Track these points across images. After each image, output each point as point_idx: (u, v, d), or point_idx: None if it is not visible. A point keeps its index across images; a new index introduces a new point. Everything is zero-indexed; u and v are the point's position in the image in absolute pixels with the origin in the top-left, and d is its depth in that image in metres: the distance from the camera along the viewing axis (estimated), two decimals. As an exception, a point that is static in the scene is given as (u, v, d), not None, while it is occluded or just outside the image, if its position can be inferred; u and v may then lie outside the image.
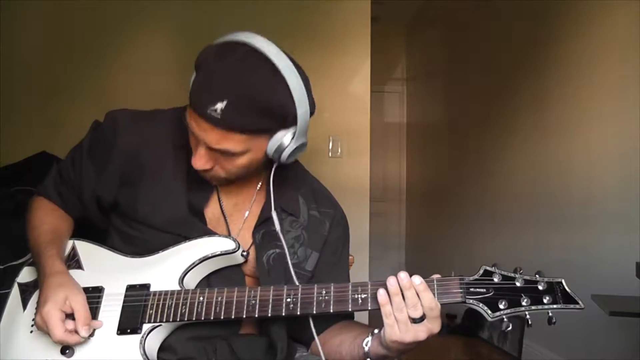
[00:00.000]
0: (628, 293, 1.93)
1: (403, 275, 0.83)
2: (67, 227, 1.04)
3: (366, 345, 0.90)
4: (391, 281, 0.84)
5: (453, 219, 4.17)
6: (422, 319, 0.82)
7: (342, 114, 2.70)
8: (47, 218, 1.02)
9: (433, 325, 0.83)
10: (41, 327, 0.87)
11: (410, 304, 0.82)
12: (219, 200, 1.02)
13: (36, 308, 0.93)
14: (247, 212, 1.04)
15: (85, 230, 1.03)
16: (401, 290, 0.83)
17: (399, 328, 0.83)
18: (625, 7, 2.33)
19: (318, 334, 1.03)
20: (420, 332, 0.83)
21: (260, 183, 1.06)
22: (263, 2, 2.60)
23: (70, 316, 0.87)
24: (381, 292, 0.84)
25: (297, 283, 0.93)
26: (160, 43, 2.58)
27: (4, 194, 1.13)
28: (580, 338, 2.53)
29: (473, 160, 3.88)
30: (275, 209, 0.99)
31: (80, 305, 0.88)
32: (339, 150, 2.70)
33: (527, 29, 3.13)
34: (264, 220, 1.01)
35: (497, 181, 3.51)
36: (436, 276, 0.86)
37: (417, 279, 0.83)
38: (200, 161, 0.91)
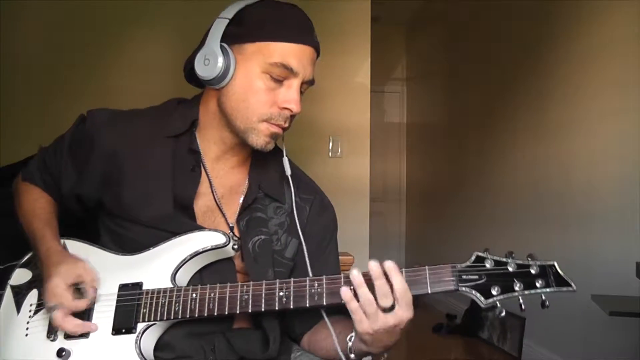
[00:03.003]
0: (628, 293, 1.93)
1: (373, 264, 0.81)
2: (55, 210, 1.05)
3: (350, 340, 0.89)
4: (354, 273, 0.82)
5: (453, 219, 4.18)
6: (392, 307, 0.81)
7: (342, 114, 2.70)
8: (37, 203, 1.03)
9: (404, 312, 0.81)
10: (48, 302, 0.87)
11: (380, 293, 0.80)
12: (212, 189, 1.01)
13: (39, 304, 0.94)
14: (241, 198, 1.02)
15: (77, 230, 1.03)
16: (372, 280, 0.81)
17: (369, 319, 0.81)
18: (625, 7, 2.33)
19: (309, 329, 1.05)
20: (389, 321, 0.81)
21: (248, 166, 1.06)
22: None
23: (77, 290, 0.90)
24: (344, 290, 0.82)
25: (281, 270, 0.95)
26: (160, 43, 2.58)
27: (4, 194, 1.12)
28: (580, 338, 2.53)
29: (473, 160, 3.88)
30: (258, 193, 1.02)
31: (82, 270, 0.90)
32: (339, 150, 2.70)
33: (528, 28, 3.14)
34: (247, 207, 1.01)
35: (498, 181, 3.51)
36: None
37: (389, 262, 0.82)
38: (299, 103, 0.94)
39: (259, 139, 0.95)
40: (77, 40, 2.53)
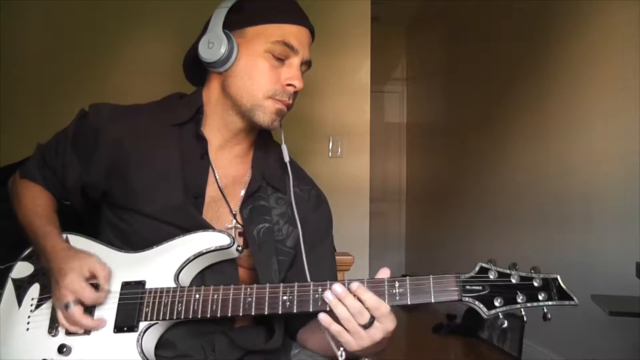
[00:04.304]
0: (628, 293, 1.93)
1: (337, 286, 0.83)
2: (55, 207, 1.05)
3: (341, 357, 0.88)
4: (328, 295, 0.83)
5: (453, 219, 4.18)
6: (371, 322, 0.82)
7: (342, 114, 2.69)
8: (37, 200, 1.03)
9: (386, 324, 0.82)
10: (65, 298, 0.87)
11: (354, 312, 0.81)
12: (216, 178, 1.02)
13: (41, 299, 0.94)
14: (244, 188, 1.04)
15: (77, 226, 1.03)
16: (341, 302, 0.82)
17: (354, 338, 0.82)
18: (625, 7, 2.33)
19: (300, 327, 1.06)
20: (375, 335, 0.82)
21: (251, 157, 1.08)
22: None
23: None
24: (322, 316, 0.83)
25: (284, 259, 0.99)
26: (160, 43, 2.57)
27: (3, 194, 1.12)
28: (580, 338, 2.53)
29: (473, 160, 3.88)
30: (262, 182, 1.04)
31: (96, 265, 0.90)
32: (339, 150, 2.69)
33: (528, 28, 3.13)
34: (250, 195, 1.03)
35: (498, 181, 3.51)
36: (383, 270, 0.86)
37: (354, 285, 0.82)
38: (301, 79, 0.99)
39: (266, 116, 0.98)
40: (77, 40, 2.53)
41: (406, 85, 5.43)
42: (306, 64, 1.02)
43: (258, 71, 0.97)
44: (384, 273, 0.85)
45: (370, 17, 2.75)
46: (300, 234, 1.00)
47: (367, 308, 0.81)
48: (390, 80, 5.37)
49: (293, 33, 0.98)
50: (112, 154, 0.99)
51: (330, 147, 2.69)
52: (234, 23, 0.98)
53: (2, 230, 1.07)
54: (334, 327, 0.82)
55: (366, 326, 0.81)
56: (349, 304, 0.81)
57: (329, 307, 0.83)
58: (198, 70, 1.04)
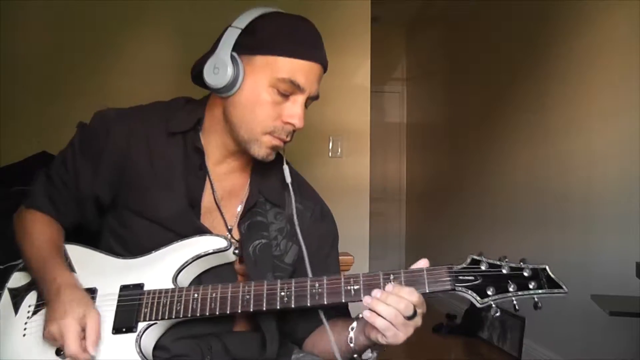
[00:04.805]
0: (628, 293, 1.93)
1: (375, 291, 0.84)
2: (62, 238, 1.02)
3: (351, 342, 0.90)
4: (368, 299, 0.84)
5: (453, 219, 4.18)
6: (416, 311, 0.83)
7: (342, 114, 2.69)
8: (44, 229, 1.00)
9: (424, 309, 0.85)
10: (54, 336, 0.85)
11: (401, 308, 0.82)
12: (213, 190, 1.02)
13: (38, 305, 0.94)
14: (240, 205, 1.03)
15: (77, 235, 1.03)
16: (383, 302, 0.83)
17: (401, 330, 0.83)
18: (625, 7, 2.33)
19: (310, 332, 1.05)
20: (419, 322, 0.85)
21: (249, 171, 1.07)
22: (263, 2, 2.59)
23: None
24: (367, 313, 0.84)
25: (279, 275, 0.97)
26: (160, 44, 2.57)
27: (3, 194, 1.12)
28: (580, 338, 2.53)
29: (473, 160, 3.88)
30: (259, 198, 1.03)
31: (94, 324, 0.86)
32: (339, 150, 2.69)
33: (528, 28, 3.14)
34: (248, 210, 1.03)
35: (497, 181, 3.51)
36: (422, 261, 0.89)
37: (388, 287, 0.84)
38: (302, 119, 0.96)
39: (261, 150, 0.97)
40: (77, 40, 2.53)
41: (406, 85, 5.43)
42: (312, 98, 0.99)
43: (260, 105, 0.94)
44: (423, 263, 0.88)
45: (370, 17, 2.75)
46: (305, 250, 0.97)
47: (409, 301, 0.83)
48: (390, 80, 5.37)
49: (302, 70, 0.93)
50: (119, 161, 0.99)
51: (330, 147, 2.69)
52: (244, 47, 0.94)
53: (2, 230, 1.07)
54: (380, 322, 0.82)
55: (412, 317, 0.83)
56: (394, 302, 0.82)
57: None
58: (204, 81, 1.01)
